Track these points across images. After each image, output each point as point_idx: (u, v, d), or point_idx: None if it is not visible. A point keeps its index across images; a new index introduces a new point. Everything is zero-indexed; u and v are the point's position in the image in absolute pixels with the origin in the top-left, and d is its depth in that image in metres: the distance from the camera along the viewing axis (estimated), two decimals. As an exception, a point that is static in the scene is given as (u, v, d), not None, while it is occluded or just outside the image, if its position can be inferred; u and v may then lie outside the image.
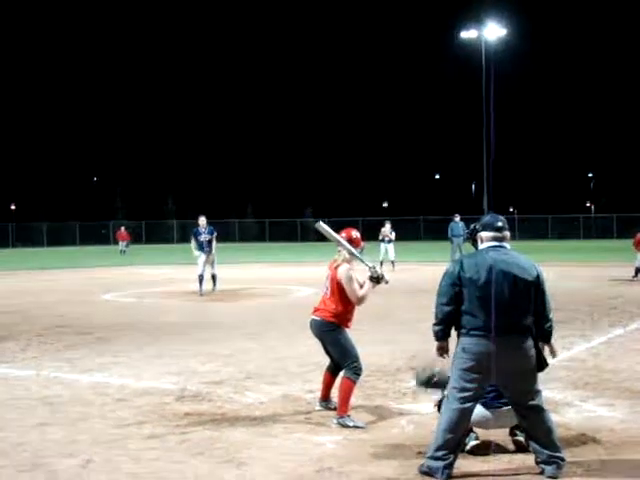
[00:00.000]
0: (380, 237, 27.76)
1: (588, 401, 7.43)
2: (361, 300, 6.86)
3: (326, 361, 7.18)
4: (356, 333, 7.27)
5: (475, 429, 5.82)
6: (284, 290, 20.06)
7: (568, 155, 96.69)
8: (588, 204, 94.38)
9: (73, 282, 24.01)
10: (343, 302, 6.89)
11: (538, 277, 5.31)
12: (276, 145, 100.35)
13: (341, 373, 6.91)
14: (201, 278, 18.50)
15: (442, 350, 5.53)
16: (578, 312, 14.10)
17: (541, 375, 5.44)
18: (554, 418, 5.69)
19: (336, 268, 6.96)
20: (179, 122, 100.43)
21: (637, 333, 11.83)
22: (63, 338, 11.87)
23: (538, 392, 5.37)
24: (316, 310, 7.05)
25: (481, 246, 5.50)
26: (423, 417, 6.81)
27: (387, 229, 27.79)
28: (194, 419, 6.89)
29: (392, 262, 26.95)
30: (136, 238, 61.57)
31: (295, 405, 7.40)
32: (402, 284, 20.28)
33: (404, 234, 64.72)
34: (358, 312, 7.08)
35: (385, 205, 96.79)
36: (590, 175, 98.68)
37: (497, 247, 5.42)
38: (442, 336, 5.47)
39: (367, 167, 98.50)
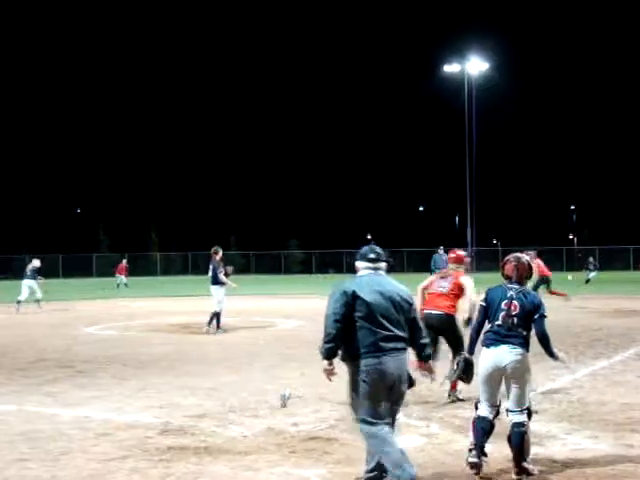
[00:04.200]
0: None
1: (573, 434, 7.43)
2: (471, 307, 8.31)
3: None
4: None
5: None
6: (268, 323, 19.98)
7: (550, 187, 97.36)
8: (571, 236, 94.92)
9: (55, 315, 23.82)
10: (457, 299, 8.80)
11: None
12: (259, 177, 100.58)
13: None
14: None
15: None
16: (562, 344, 14.04)
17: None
18: (539, 450, 5.64)
19: (457, 275, 8.91)
20: (162, 154, 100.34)
21: (621, 365, 11.87)
22: (45, 372, 11.75)
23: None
24: (436, 306, 8.59)
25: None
26: (408, 450, 6.76)
27: None
28: (177, 453, 6.82)
29: None
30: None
31: (279, 438, 7.34)
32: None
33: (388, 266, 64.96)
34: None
35: (369, 237, 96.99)
36: (572, 207, 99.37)
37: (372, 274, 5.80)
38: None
39: (351, 199, 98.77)
